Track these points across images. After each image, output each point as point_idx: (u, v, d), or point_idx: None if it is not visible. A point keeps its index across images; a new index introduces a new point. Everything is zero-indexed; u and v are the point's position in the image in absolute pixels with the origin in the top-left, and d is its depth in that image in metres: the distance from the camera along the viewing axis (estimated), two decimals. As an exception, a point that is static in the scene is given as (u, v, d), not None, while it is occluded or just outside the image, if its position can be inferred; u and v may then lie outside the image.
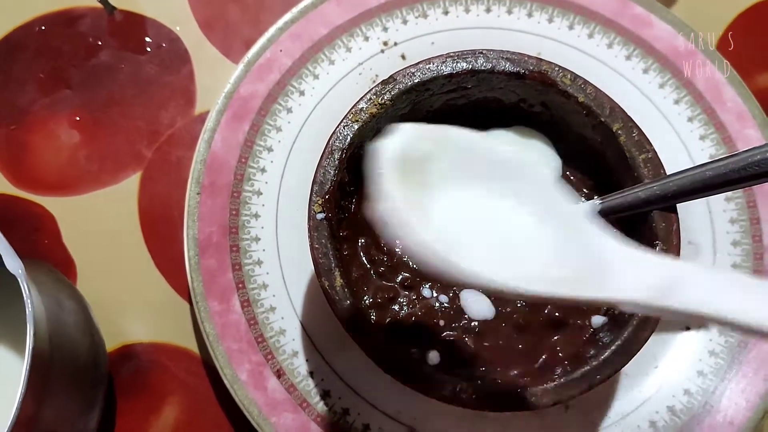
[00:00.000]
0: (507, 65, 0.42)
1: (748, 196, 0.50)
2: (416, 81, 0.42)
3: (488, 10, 0.53)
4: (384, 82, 0.42)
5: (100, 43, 0.54)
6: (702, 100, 0.51)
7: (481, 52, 0.43)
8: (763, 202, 0.49)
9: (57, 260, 0.50)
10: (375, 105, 0.41)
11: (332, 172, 0.40)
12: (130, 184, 0.52)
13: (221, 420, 0.47)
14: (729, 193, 0.50)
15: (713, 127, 0.51)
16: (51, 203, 0.51)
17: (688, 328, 0.47)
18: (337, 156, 0.41)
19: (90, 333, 0.44)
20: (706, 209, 0.50)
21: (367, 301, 0.42)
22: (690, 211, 0.49)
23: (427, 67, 0.42)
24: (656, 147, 0.42)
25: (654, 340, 0.46)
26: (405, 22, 0.52)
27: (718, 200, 0.50)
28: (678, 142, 0.51)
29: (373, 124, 0.42)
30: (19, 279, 0.36)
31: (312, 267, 0.46)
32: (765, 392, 0.46)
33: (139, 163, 0.52)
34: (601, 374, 0.38)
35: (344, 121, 0.41)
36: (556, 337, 0.42)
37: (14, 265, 0.36)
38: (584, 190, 0.45)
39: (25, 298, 0.36)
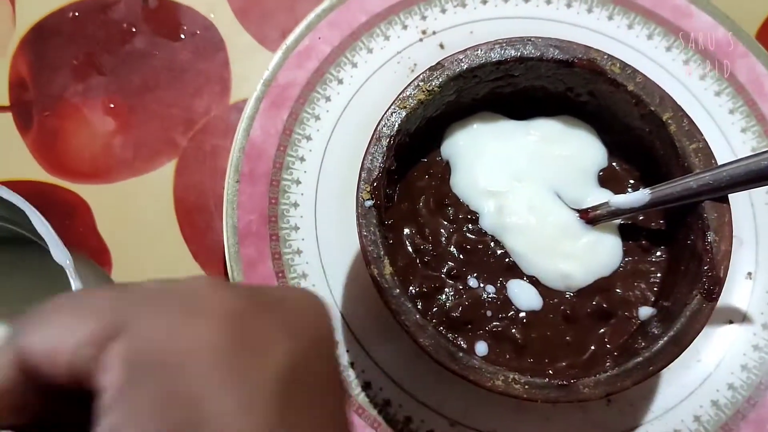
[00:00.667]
0: (556, 53, 0.42)
1: (791, 190, 0.49)
2: (464, 67, 0.41)
3: (527, 0, 0.52)
4: (432, 69, 0.41)
5: (134, 29, 0.54)
6: (743, 91, 0.51)
7: (530, 39, 0.42)
8: (806, 195, 0.49)
9: (91, 249, 0.49)
10: (423, 91, 0.41)
11: (380, 159, 0.40)
12: (165, 172, 0.51)
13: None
14: (772, 186, 0.49)
15: (755, 119, 0.50)
16: (85, 191, 0.51)
17: (731, 322, 0.47)
18: (384, 143, 0.40)
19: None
20: (748, 202, 0.49)
21: (413, 291, 0.41)
22: (732, 205, 0.48)
23: (476, 53, 0.42)
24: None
25: (697, 333, 0.46)
26: (443, 10, 0.51)
27: (760, 193, 0.49)
28: (719, 135, 0.50)
29: (420, 111, 0.41)
30: (67, 271, 0.35)
31: (352, 256, 0.46)
32: (810, 387, 0.45)
33: (174, 151, 0.51)
34: (654, 366, 0.37)
35: (392, 107, 0.41)
36: (603, 329, 0.41)
37: (62, 256, 0.35)
38: (631, 180, 0.45)
39: (71, 283, 0.35)
